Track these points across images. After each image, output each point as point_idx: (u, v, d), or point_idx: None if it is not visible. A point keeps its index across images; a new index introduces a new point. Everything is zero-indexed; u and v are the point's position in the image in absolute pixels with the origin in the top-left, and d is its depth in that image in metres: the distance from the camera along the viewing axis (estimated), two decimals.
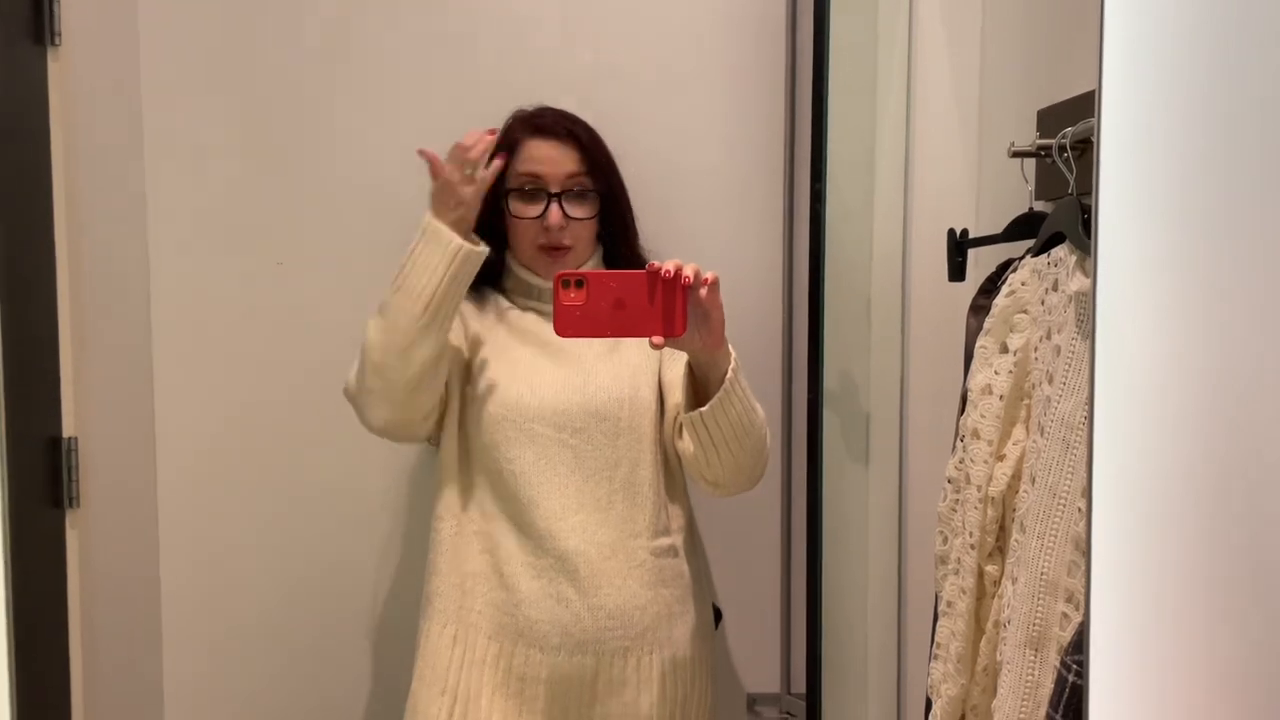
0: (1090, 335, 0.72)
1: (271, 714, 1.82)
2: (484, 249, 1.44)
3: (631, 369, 1.52)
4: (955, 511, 1.21)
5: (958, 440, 1.20)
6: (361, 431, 1.57)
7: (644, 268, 1.25)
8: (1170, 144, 0.71)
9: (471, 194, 1.42)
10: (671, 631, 1.51)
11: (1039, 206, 1.25)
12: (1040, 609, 1.00)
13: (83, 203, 1.64)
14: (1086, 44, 0.90)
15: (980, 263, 1.34)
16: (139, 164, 1.74)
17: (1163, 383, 0.71)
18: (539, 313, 1.56)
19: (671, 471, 1.55)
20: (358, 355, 1.46)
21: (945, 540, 1.24)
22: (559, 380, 1.50)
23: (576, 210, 1.53)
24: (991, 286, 1.23)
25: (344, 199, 1.76)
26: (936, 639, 1.23)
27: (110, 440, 1.70)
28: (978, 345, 1.18)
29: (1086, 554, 0.72)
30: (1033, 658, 1.01)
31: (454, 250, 1.40)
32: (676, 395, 1.49)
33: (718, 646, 1.78)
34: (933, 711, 1.22)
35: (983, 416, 1.15)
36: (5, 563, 1.21)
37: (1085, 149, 1.08)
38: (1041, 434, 1.05)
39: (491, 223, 1.54)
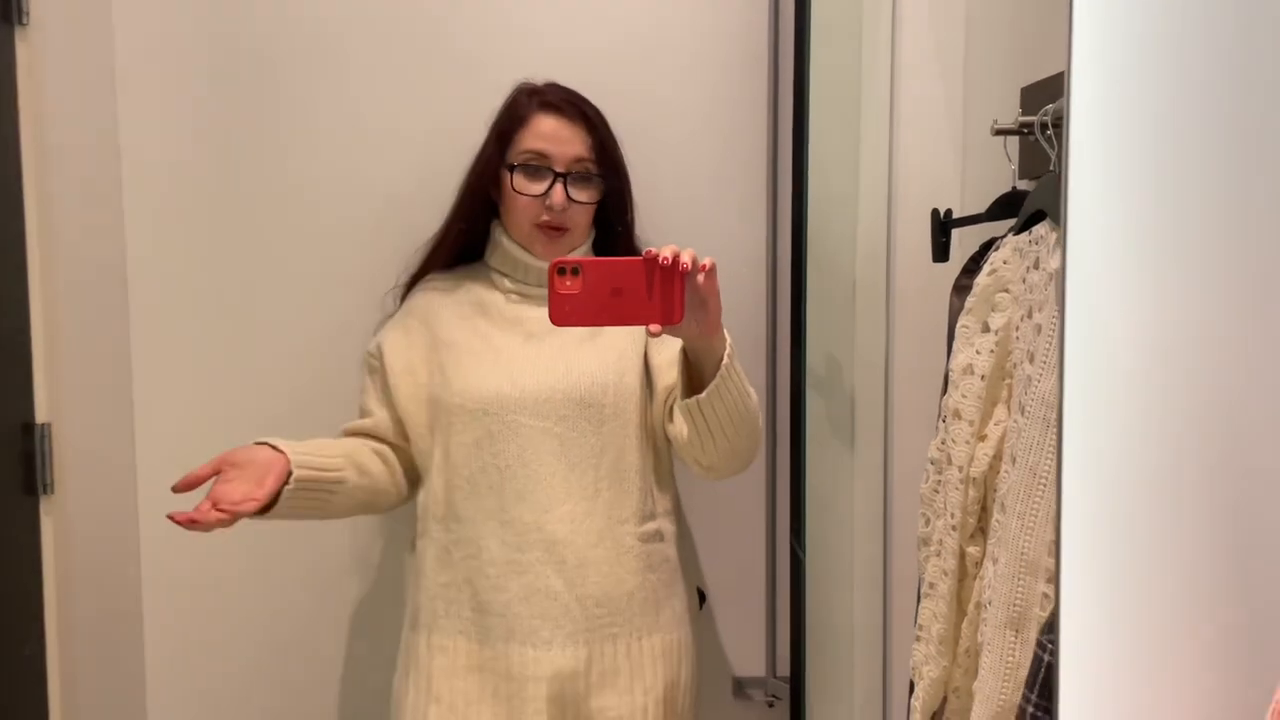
0: (1060, 313, 0.71)
1: (254, 703, 1.81)
2: (292, 485, 1.37)
3: (616, 353, 1.49)
4: (937, 493, 1.20)
5: (940, 421, 1.20)
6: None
7: (640, 254, 1.23)
8: (1141, 121, 0.70)
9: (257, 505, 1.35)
10: (659, 616, 1.50)
11: (1022, 185, 1.24)
12: (1020, 589, 0.99)
13: (54, 184, 1.61)
14: None
15: (964, 243, 1.33)
16: (113, 144, 1.71)
17: (1134, 360, 0.71)
18: (524, 295, 1.53)
19: (658, 455, 1.53)
20: None
21: (927, 522, 1.23)
22: (540, 369, 1.47)
23: (580, 194, 1.51)
24: (974, 266, 1.22)
25: (323, 179, 1.74)
26: (919, 620, 1.22)
27: (87, 426, 1.68)
28: (959, 325, 1.17)
29: (1055, 533, 0.71)
30: (1013, 639, 1.00)
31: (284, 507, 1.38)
32: (667, 378, 1.47)
33: (703, 630, 1.78)
34: (915, 693, 1.21)
35: (964, 396, 1.14)
36: None
37: None
38: (1022, 413, 1.04)
39: (486, 192, 1.53)
